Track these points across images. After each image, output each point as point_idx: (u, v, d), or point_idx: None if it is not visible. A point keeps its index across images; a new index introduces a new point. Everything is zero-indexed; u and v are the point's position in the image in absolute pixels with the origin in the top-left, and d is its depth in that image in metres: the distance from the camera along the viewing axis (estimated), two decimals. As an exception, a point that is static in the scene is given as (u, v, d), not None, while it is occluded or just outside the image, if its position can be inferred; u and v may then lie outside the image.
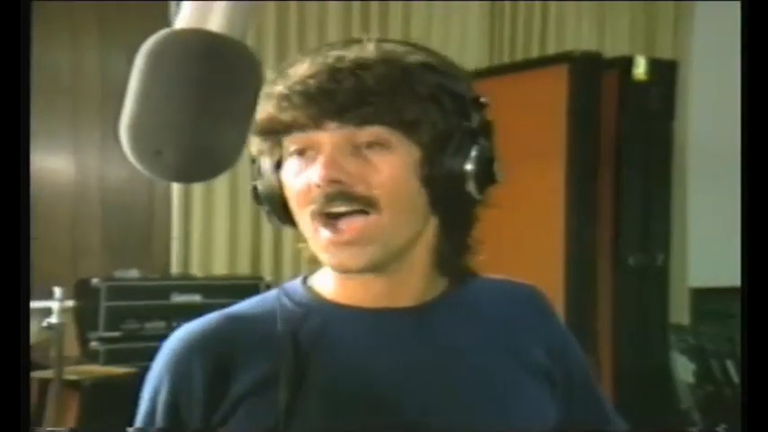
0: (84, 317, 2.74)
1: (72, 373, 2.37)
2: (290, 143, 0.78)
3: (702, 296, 3.58)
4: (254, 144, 0.81)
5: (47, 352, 2.72)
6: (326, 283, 0.84)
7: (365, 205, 0.76)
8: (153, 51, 0.65)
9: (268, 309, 0.84)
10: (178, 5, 0.68)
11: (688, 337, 3.47)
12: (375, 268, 0.79)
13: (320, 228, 0.77)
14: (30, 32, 0.76)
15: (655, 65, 2.89)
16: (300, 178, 0.78)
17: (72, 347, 2.62)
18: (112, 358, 2.74)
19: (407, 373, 0.80)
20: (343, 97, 0.75)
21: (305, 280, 0.86)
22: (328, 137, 0.76)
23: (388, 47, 0.78)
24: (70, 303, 2.44)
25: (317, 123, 0.76)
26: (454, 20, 3.52)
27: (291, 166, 0.79)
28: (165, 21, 0.70)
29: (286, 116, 0.76)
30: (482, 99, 0.81)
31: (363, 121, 0.75)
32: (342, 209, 0.76)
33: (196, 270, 3.19)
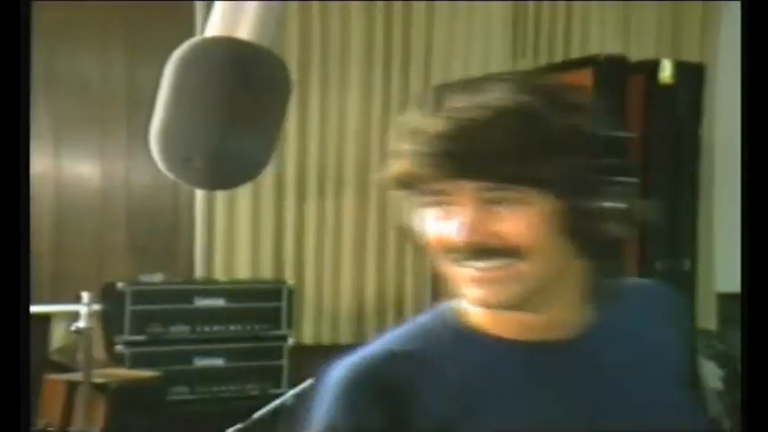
0: (110, 320, 2.77)
1: (99, 376, 2.39)
2: (427, 197, 0.80)
3: (730, 301, 3.52)
4: (391, 184, 0.83)
5: (74, 355, 2.75)
6: (479, 313, 0.85)
7: (506, 256, 0.78)
8: (183, 60, 0.66)
9: (429, 342, 0.84)
10: (208, 6, 0.69)
11: (715, 343, 3.42)
12: (515, 305, 0.80)
13: (459, 266, 0.79)
14: (29, 33, 0.76)
15: (681, 68, 2.85)
16: (438, 227, 0.80)
17: (98, 350, 2.64)
18: (138, 361, 2.77)
19: (570, 405, 0.81)
20: (479, 159, 0.75)
21: (455, 307, 0.87)
22: (465, 196, 0.78)
23: (519, 95, 0.77)
24: (97, 307, 2.46)
25: (453, 182, 0.77)
26: (477, 24, 3.50)
27: (430, 213, 0.81)
28: (191, 28, 0.70)
29: (423, 173, 0.78)
30: (619, 134, 0.81)
31: (500, 181, 0.76)
32: (482, 264, 0.78)
33: (219, 274, 3.20)
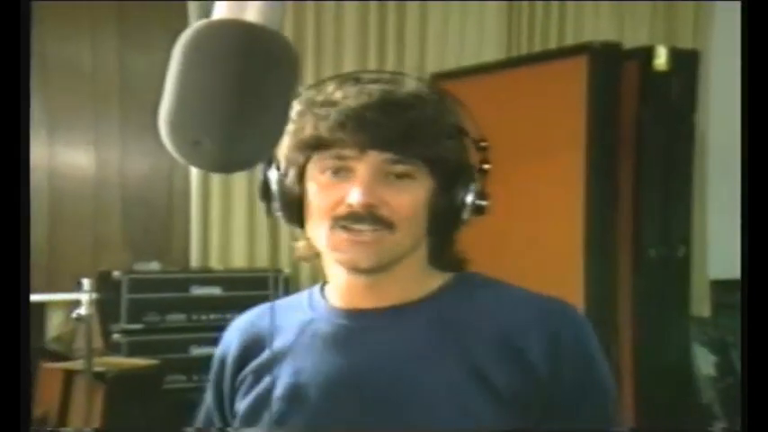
0: (105, 309, 2.77)
1: (97, 364, 2.40)
2: (328, 161, 0.86)
3: (723, 288, 3.55)
4: (285, 150, 0.89)
5: (70, 344, 2.75)
6: (331, 288, 0.97)
7: (385, 226, 0.86)
8: (192, 43, 0.66)
9: (291, 304, 1.01)
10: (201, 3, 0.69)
11: (709, 330, 3.44)
12: (380, 269, 0.89)
13: (338, 230, 0.87)
14: (29, 31, 0.76)
15: (676, 55, 2.85)
16: (331, 193, 0.87)
17: (95, 339, 2.65)
18: (135, 350, 2.77)
19: (359, 372, 0.88)
20: (392, 132, 0.84)
21: (324, 285, 1.00)
22: (368, 164, 0.85)
23: (417, 85, 0.88)
24: (96, 295, 2.46)
25: (360, 150, 0.84)
26: (472, 12, 3.50)
27: (322, 179, 0.87)
28: (185, 14, 0.70)
29: (334, 138, 0.84)
30: (483, 143, 0.92)
31: (402, 155, 0.85)
32: (365, 227, 0.86)
33: (215, 263, 3.21)
